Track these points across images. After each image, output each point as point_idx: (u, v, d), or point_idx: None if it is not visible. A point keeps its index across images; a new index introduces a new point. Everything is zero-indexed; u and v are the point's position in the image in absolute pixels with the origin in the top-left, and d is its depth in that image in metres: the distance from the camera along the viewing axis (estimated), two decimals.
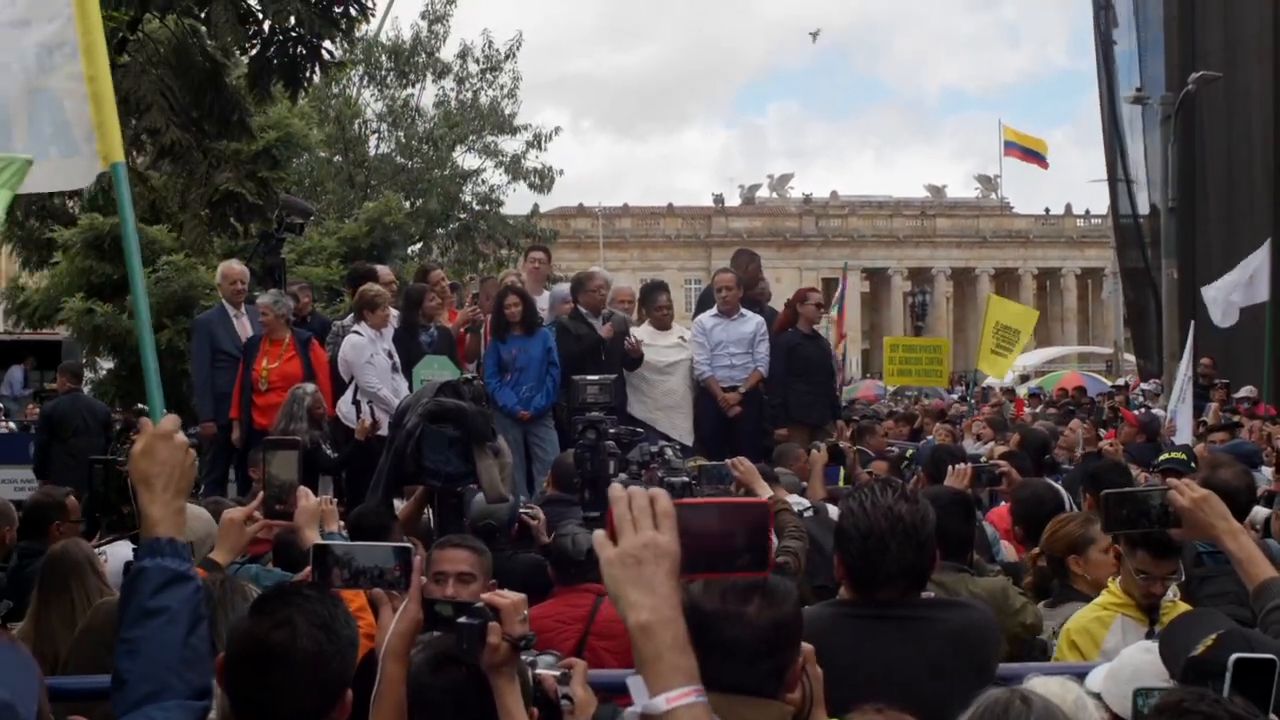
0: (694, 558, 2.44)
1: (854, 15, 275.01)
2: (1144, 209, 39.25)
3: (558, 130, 42.82)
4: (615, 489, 2.47)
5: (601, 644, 6.15)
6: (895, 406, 30.51)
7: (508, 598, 3.63)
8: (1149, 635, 5.19)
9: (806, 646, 3.80)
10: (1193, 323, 19.45)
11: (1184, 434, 15.34)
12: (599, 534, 2.47)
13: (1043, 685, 3.53)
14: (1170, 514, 4.53)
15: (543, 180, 40.85)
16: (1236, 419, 17.71)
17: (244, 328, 12.55)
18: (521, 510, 7.37)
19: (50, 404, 16.05)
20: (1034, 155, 75.82)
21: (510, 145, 41.29)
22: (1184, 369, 16.57)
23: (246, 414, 11.75)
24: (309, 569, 4.12)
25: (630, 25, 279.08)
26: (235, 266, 13.30)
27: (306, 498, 5.00)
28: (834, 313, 23.56)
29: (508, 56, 41.85)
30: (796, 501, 7.98)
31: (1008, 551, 8.17)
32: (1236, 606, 4.73)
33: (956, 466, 7.89)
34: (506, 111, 41.73)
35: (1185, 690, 3.12)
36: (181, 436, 3.36)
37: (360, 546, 4.13)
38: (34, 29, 5.44)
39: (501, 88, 41.98)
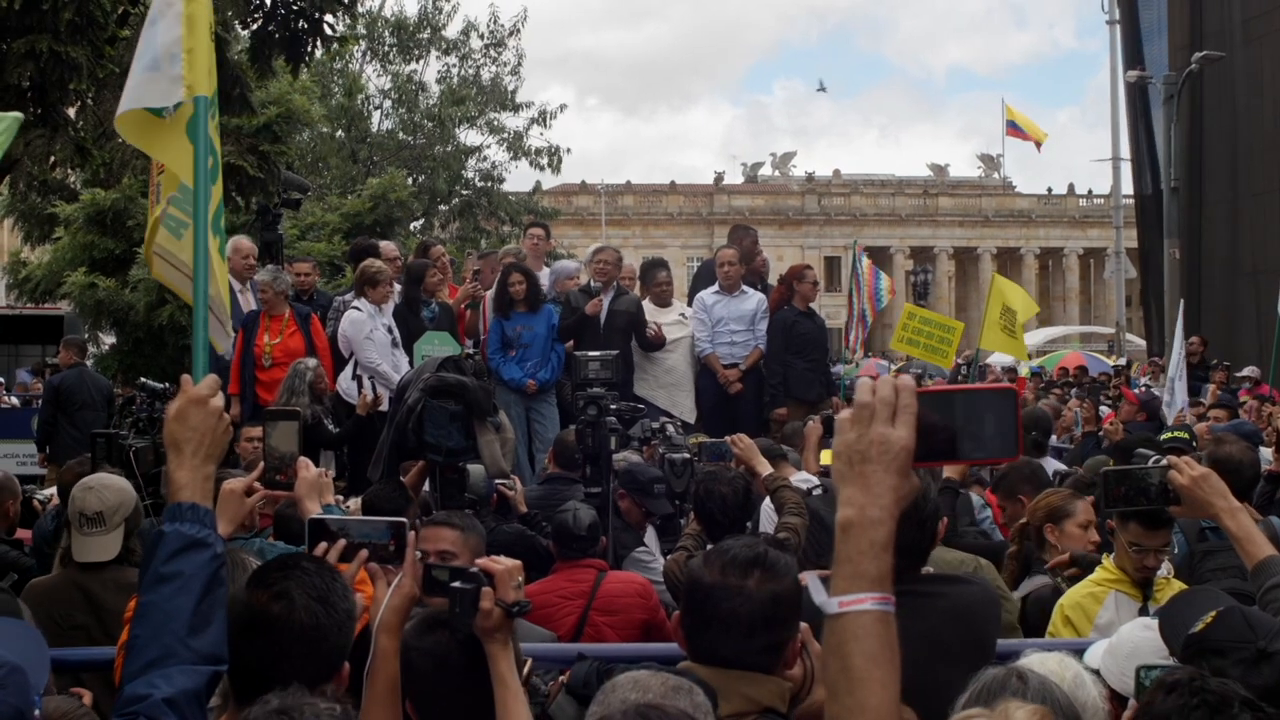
0: (940, 444, 2.42)
1: None
2: (1150, 189, 39.15)
3: (563, 108, 42.66)
4: (863, 380, 2.43)
5: (603, 619, 6.17)
6: None
7: (502, 563, 3.62)
8: (1142, 611, 5.21)
9: (805, 625, 3.81)
10: (1182, 301, 19.45)
11: (1175, 414, 15.33)
12: (843, 414, 2.43)
13: (1040, 662, 3.55)
14: (1169, 492, 4.53)
15: (551, 159, 40.74)
16: (1243, 401, 17.69)
17: (249, 303, 12.51)
18: (498, 482, 7.37)
19: (58, 377, 16.03)
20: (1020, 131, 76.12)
21: (513, 122, 41.23)
22: (1177, 349, 16.59)
23: (250, 389, 11.70)
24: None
25: (635, 4, 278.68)
26: (245, 241, 13.24)
27: (307, 469, 4.98)
28: (883, 291, 23.31)
29: (512, 33, 41.77)
30: (805, 479, 7.99)
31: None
32: (1239, 581, 4.73)
33: None
34: (509, 88, 41.65)
35: (1190, 670, 3.13)
36: (217, 401, 3.33)
37: (356, 520, 4.13)
38: None
39: (504, 65, 41.91)
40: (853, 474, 2.36)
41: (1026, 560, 6.49)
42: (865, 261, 22.94)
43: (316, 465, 5.23)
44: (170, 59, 5.45)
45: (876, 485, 2.34)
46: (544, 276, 13.47)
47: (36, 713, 2.76)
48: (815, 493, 7.46)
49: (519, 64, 41.98)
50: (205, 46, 5.50)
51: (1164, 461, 4.71)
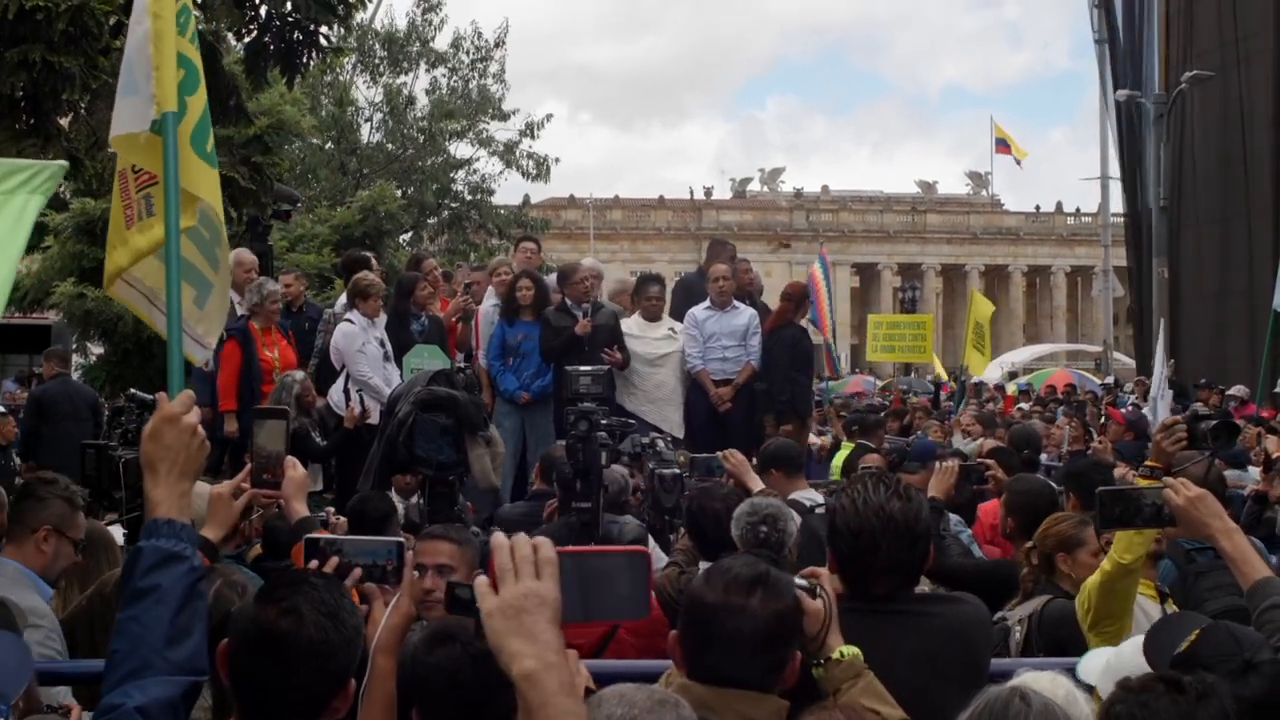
0: (575, 604, 2.46)
1: (858, 11, 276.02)
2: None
3: (549, 117, 42.82)
4: (497, 537, 2.46)
5: (630, 639, 6.13)
6: (883, 400, 30.52)
7: None
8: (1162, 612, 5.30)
9: (821, 571, 3.83)
10: (1162, 321, 19.50)
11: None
12: (481, 581, 2.45)
13: (1033, 680, 3.54)
14: (1164, 513, 4.54)
15: (539, 168, 40.83)
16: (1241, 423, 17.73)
17: None
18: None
19: (40, 387, 15.99)
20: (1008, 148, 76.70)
21: (502, 133, 41.32)
22: (1159, 369, 16.63)
23: (257, 402, 11.54)
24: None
25: (634, 17, 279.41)
26: (247, 255, 13.16)
27: (295, 468, 4.94)
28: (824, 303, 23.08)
29: (498, 44, 41.93)
30: (810, 497, 7.98)
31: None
32: (1236, 599, 4.75)
33: (944, 464, 7.84)
34: (496, 96, 41.79)
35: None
36: (191, 419, 3.34)
37: (352, 540, 4.11)
38: None
39: (492, 76, 42.06)
40: (512, 627, 2.37)
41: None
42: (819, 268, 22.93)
43: None
44: (146, 79, 5.41)
45: (543, 633, 2.36)
46: None
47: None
48: (818, 510, 7.45)
49: (502, 71, 42.17)
50: (171, 62, 5.42)
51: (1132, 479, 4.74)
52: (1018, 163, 74.17)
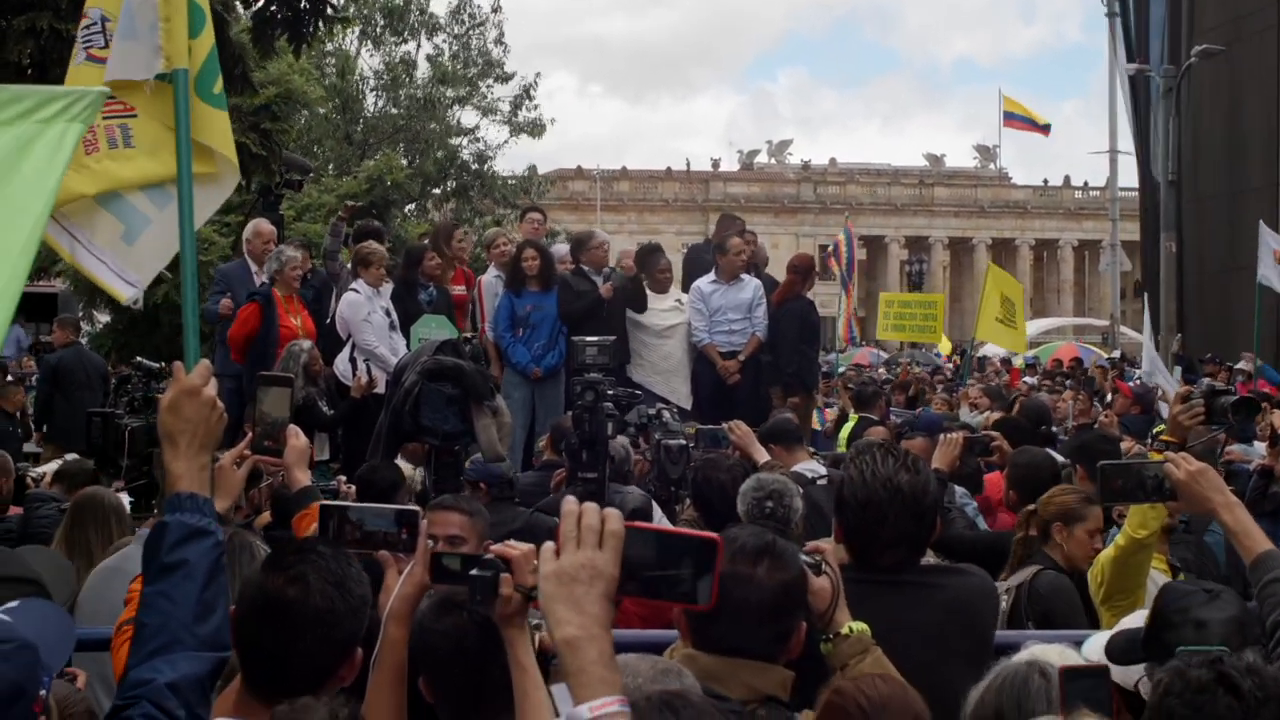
0: (635, 580, 2.47)
1: None
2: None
3: (539, 76, 43.26)
4: (568, 502, 2.49)
5: (635, 609, 6.14)
6: (889, 374, 30.49)
7: (518, 549, 3.59)
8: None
9: (825, 544, 3.83)
10: (1145, 295, 19.43)
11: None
12: (547, 546, 2.49)
13: (1041, 652, 3.56)
14: (1166, 486, 4.55)
15: (534, 129, 41.01)
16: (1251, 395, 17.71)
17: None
18: None
19: (55, 356, 16.00)
20: (1033, 124, 75.77)
21: (502, 92, 41.57)
22: (1148, 345, 16.58)
23: (267, 366, 11.40)
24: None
25: None
26: (266, 225, 13.09)
27: (297, 436, 4.92)
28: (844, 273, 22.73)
29: (495, 10, 42.10)
30: (812, 469, 7.98)
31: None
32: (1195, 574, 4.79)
33: (947, 435, 7.84)
34: (497, 58, 41.99)
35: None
36: (210, 391, 3.30)
37: (367, 509, 4.10)
38: None
39: (492, 41, 42.29)
40: (564, 595, 2.42)
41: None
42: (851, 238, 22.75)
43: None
44: (150, 28, 5.26)
45: (590, 606, 2.40)
46: None
47: (43, 693, 2.76)
48: (820, 482, 7.46)
49: (501, 34, 42.33)
50: (181, 13, 5.27)
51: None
52: (1047, 128, 73.12)
